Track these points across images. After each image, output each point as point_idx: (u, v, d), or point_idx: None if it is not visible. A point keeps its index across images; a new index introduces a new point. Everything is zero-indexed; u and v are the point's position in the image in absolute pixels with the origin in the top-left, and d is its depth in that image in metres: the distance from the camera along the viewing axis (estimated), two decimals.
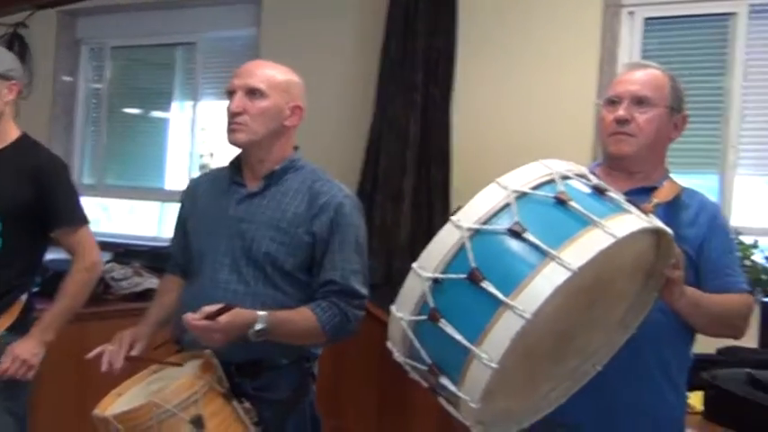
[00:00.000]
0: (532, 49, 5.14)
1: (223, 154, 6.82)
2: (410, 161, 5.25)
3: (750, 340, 3.50)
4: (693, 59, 4.90)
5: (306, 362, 2.63)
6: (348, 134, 5.60)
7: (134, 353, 2.56)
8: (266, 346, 2.46)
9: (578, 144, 4.95)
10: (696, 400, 2.79)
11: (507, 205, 1.69)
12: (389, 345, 1.78)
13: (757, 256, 4.55)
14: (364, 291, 2.57)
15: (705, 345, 2.37)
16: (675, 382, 2.29)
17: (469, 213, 1.69)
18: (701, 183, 4.66)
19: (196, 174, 5.97)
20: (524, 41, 5.17)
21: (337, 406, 4.63)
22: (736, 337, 2.33)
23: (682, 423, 2.35)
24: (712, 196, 3.44)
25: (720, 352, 3.24)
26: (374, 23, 5.54)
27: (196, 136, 6.63)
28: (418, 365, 1.72)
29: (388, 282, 5.05)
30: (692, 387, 2.37)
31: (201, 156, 6.70)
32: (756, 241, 4.59)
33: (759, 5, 4.74)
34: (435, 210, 5.18)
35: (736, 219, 4.66)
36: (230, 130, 2.57)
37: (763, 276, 4.45)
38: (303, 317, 2.48)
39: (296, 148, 2.71)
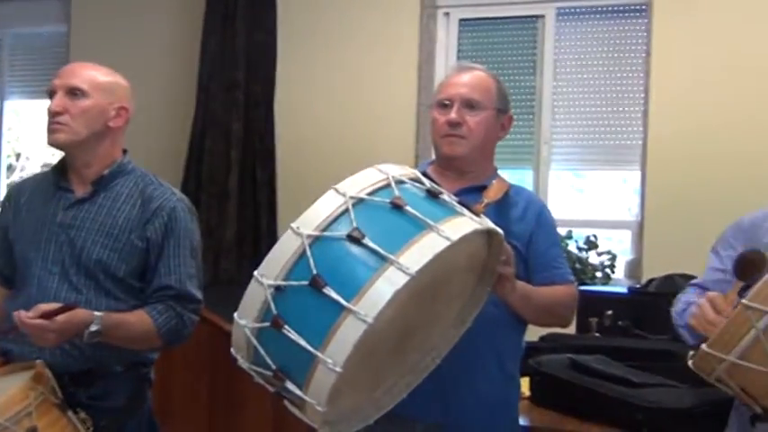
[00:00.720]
0: (353, 47, 5.21)
1: (37, 156, 6.55)
2: (234, 160, 5.22)
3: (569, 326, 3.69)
4: (506, 59, 5.11)
5: (142, 367, 2.59)
6: (170, 133, 5.51)
7: None
8: (100, 354, 2.41)
9: (401, 143, 5.06)
10: (523, 385, 2.92)
11: (345, 211, 1.72)
12: (233, 351, 1.78)
13: (571, 246, 4.81)
14: (200, 295, 2.56)
15: (529, 333, 2.50)
16: (509, 370, 2.41)
17: (309, 220, 1.72)
18: (516, 178, 4.87)
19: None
20: (344, 40, 5.23)
21: (168, 409, 4.55)
22: (563, 326, 2.47)
23: (516, 408, 2.48)
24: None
25: (543, 339, 3.40)
26: (192, 20, 5.46)
27: (2, 137, 6.33)
28: (263, 371, 1.74)
29: (215, 282, 5.01)
30: (520, 374, 2.50)
31: (9, 157, 6.43)
32: (570, 232, 4.85)
33: (565, 8, 4.99)
34: (262, 209, 5.17)
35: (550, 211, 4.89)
36: (50, 131, 2.50)
37: (577, 265, 4.70)
38: (139, 319, 2.45)
39: (125, 151, 2.66)
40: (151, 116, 5.44)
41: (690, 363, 1.83)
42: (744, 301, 1.70)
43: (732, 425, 2.29)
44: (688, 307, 2.22)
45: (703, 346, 1.76)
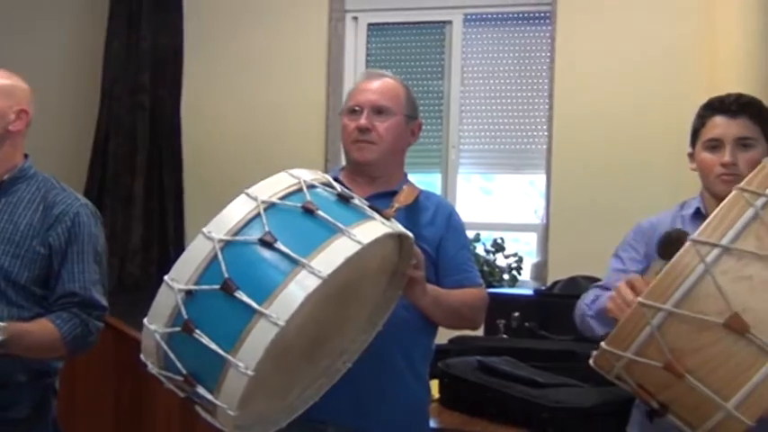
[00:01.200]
0: (261, 51, 5.18)
1: None
2: (140, 164, 5.14)
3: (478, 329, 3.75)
4: (414, 64, 5.16)
5: (47, 377, 2.53)
6: (73, 137, 5.39)
7: None
8: (2, 364, 2.35)
9: (310, 147, 5.06)
10: (433, 388, 2.96)
11: (257, 216, 1.73)
12: (143, 357, 1.77)
13: (479, 249, 4.88)
14: (104, 302, 2.52)
15: (438, 336, 2.53)
16: (419, 373, 2.43)
17: (220, 224, 1.71)
18: (425, 182, 4.92)
19: None
20: (253, 44, 5.20)
21: (72, 419, 4.46)
22: (473, 329, 2.51)
23: (426, 411, 2.51)
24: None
25: (452, 342, 3.45)
26: (96, 22, 5.35)
27: None
28: (173, 376, 1.73)
29: (120, 287, 4.93)
30: (429, 377, 2.52)
31: None
32: (478, 235, 4.92)
33: (472, 15, 5.06)
34: (168, 213, 5.11)
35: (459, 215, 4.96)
36: None
37: (485, 268, 4.77)
38: (43, 328, 2.39)
39: (26, 156, 2.60)
40: (53, 120, 5.31)
41: (591, 361, 1.88)
42: (639, 299, 1.75)
43: (633, 422, 2.36)
44: (599, 297, 2.27)
45: (603, 343, 1.82)
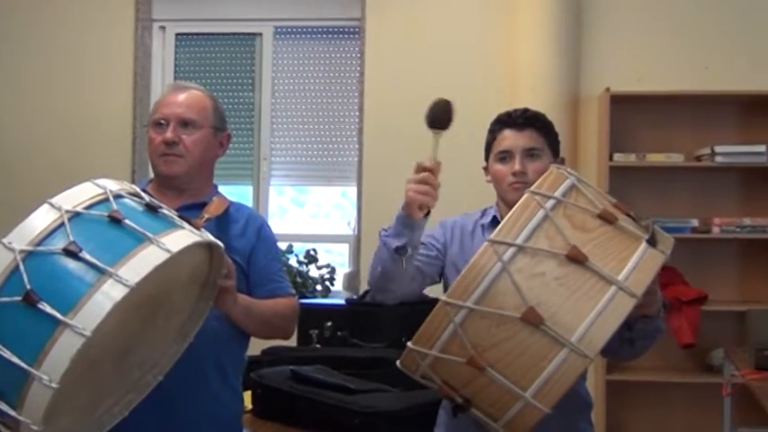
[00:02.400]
0: (67, 60, 5.04)
1: None
2: None
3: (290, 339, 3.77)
4: (224, 75, 5.14)
5: None
6: None
7: None
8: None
9: (117, 158, 4.95)
10: (246, 399, 2.95)
11: (61, 225, 1.68)
12: None
13: (292, 260, 4.90)
14: None
15: (251, 347, 2.53)
16: (232, 384, 2.42)
17: (22, 234, 1.65)
18: (236, 193, 4.90)
19: None
20: (59, 52, 5.05)
21: None
22: (285, 338, 2.53)
23: (240, 423, 2.50)
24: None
25: (265, 352, 3.44)
26: None
27: None
28: None
29: None
30: (242, 388, 2.52)
31: None
32: (291, 246, 4.94)
33: (282, 27, 5.09)
34: None
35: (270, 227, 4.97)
36: None
37: (298, 279, 4.80)
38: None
39: None
40: None
41: (398, 363, 1.93)
42: (443, 297, 1.83)
43: (440, 423, 2.44)
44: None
45: (409, 343, 1.88)
